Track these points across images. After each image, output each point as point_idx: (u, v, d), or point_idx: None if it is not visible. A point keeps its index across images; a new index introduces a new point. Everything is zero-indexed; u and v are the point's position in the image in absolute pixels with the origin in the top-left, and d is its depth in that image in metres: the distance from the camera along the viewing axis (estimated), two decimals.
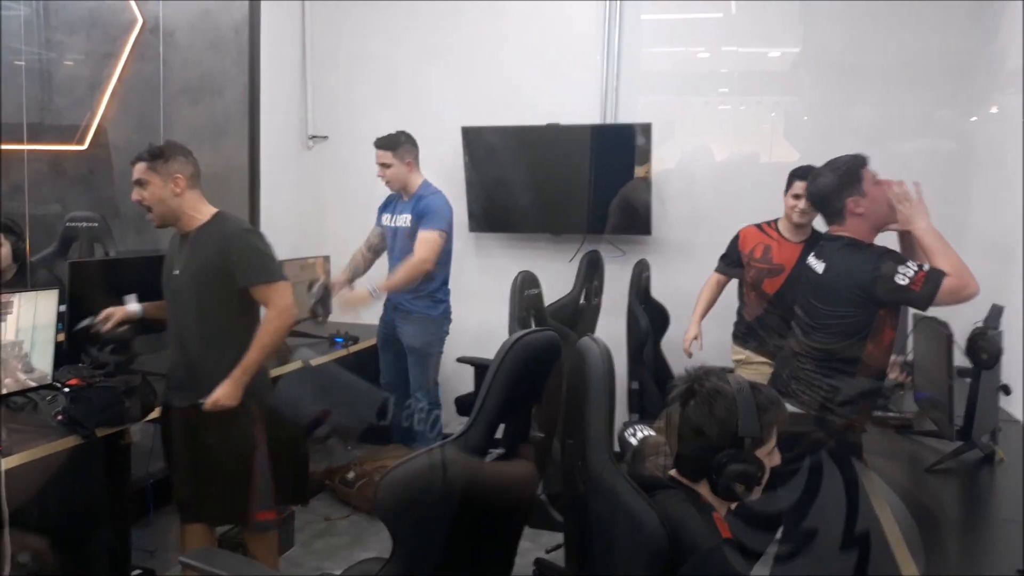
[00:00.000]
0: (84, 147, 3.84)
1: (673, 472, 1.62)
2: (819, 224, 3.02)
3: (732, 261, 3.53)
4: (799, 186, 3.28)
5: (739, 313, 3.56)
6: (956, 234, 3.82)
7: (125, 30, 3.95)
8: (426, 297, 3.79)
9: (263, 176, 4.55)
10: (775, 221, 3.45)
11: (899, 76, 3.92)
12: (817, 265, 2.72)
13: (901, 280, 2.46)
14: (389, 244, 3.91)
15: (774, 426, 1.60)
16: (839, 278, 2.62)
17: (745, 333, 3.49)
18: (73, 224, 3.62)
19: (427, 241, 3.66)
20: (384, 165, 3.77)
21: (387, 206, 3.96)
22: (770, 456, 1.60)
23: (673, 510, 1.51)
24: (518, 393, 1.56)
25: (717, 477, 1.53)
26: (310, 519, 3.76)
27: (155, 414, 2.75)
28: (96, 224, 3.66)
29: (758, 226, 3.47)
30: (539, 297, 3.47)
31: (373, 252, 4.03)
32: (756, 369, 3.35)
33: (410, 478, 1.49)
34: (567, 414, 1.74)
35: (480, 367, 3.74)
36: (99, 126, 3.87)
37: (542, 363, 1.60)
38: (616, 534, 1.48)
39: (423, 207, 3.73)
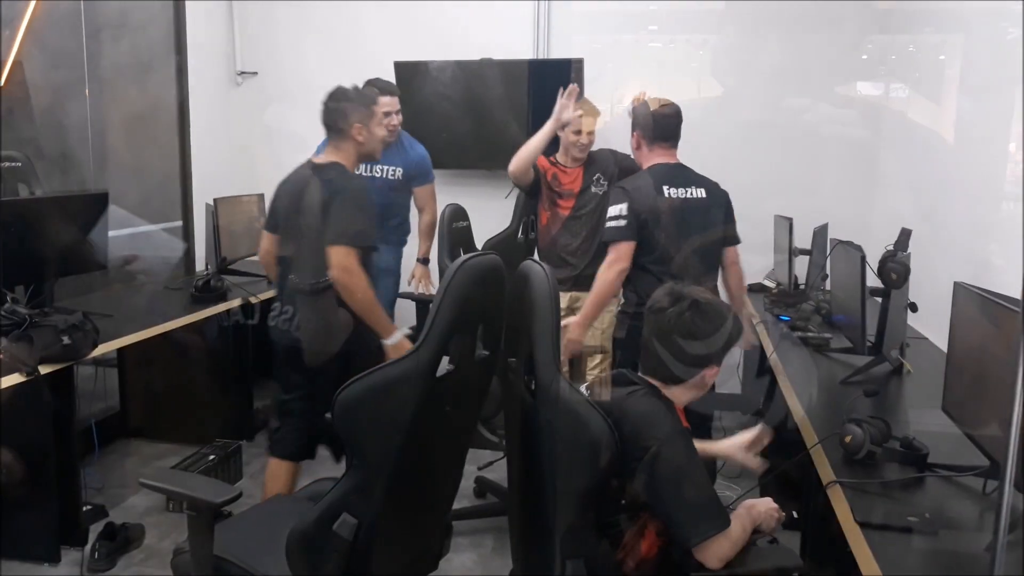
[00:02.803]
0: (0, 83, 3.70)
1: (640, 373, 1.85)
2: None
3: (533, 185, 3.54)
4: (588, 123, 3.40)
5: None
6: (870, 168, 4.07)
7: None
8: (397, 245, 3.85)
9: (192, 113, 4.46)
10: (554, 154, 3.51)
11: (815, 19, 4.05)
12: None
13: None
14: None
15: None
16: None
17: None
18: None
19: (432, 196, 3.72)
20: (389, 113, 3.45)
21: None
22: None
23: (643, 402, 1.77)
24: (465, 313, 1.64)
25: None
26: (256, 452, 3.82)
27: (97, 352, 2.74)
28: (19, 164, 3.55)
29: (547, 158, 3.49)
30: (467, 230, 3.53)
31: None
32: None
33: (364, 393, 1.57)
34: (509, 334, 1.83)
35: (421, 302, 3.81)
36: (14, 62, 3.72)
37: (487, 285, 1.68)
38: (563, 437, 1.59)
39: (418, 160, 3.72)
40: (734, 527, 1.70)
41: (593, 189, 3.44)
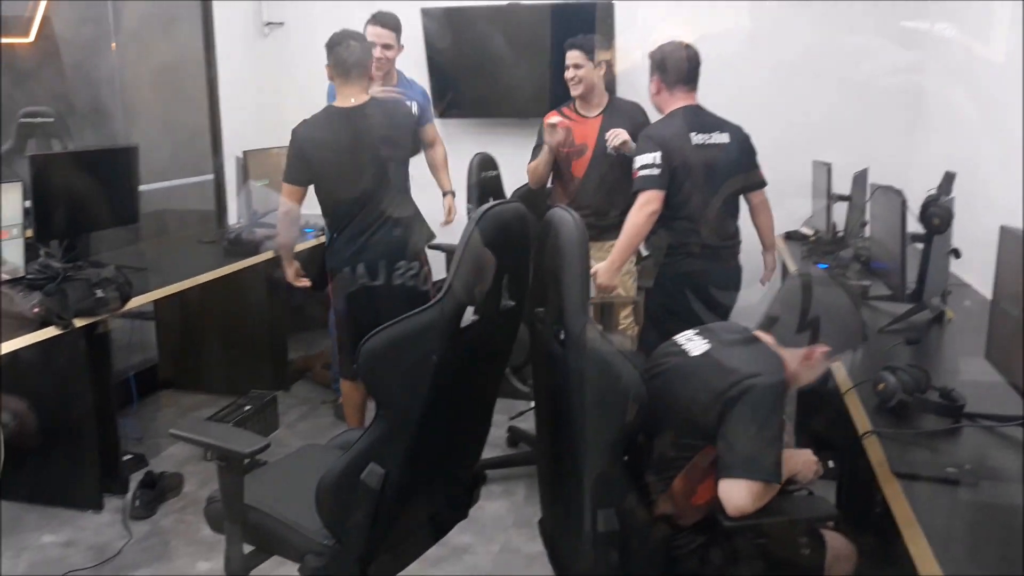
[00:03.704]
0: (30, 39, 3.70)
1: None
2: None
3: (538, 149, 3.39)
4: (572, 56, 3.21)
5: None
6: (915, 98, 3.92)
7: None
8: None
9: (220, 66, 4.43)
10: (573, 101, 3.33)
11: None
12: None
13: None
14: None
15: None
16: None
17: None
18: (27, 120, 3.52)
19: (437, 133, 3.64)
20: (388, 47, 3.36)
21: None
22: None
23: (756, 349, 1.79)
24: (489, 263, 1.61)
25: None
26: (292, 403, 3.87)
27: (131, 305, 2.77)
28: (52, 120, 3.57)
29: (559, 110, 3.33)
30: (497, 179, 3.47)
31: None
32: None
33: (388, 344, 1.56)
34: (536, 284, 1.80)
35: (451, 253, 3.78)
36: (44, 17, 3.72)
37: (511, 234, 1.65)
38: (593, 385, 1.57)
39: (423, 97, 3.64)
40: (773, 493, 1.66)
41: (608, 150, 3.23)
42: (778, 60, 4.04)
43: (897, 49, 3.96)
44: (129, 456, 3.11)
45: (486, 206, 1.61)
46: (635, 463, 1.79)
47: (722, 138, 2.89)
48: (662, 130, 2.86)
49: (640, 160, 2.81)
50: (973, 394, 1.82)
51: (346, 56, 2.83)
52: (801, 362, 1.79)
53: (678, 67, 2.88)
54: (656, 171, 2.77)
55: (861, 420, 1.84)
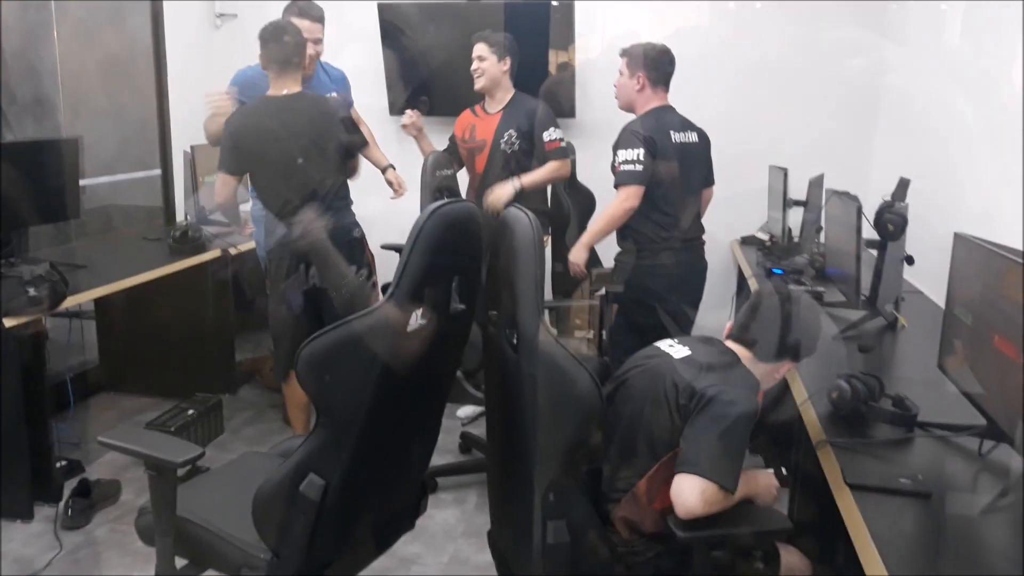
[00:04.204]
0: None
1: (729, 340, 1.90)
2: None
3: (450, 149, 3.51)
4: (477, 48, 3.30)
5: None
6: (871, 105, 3.94)
7: None
8: None
9: (169, 57, 4.29)
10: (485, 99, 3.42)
11: None
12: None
13: None
14: None
15: None
16: None
17: None
18: None
19: (359, 116, 3.52)
20: (318, 41, 3.29)
21: None
22: None
23: (733, 365, 1.80)
24: (438, 264, 1.55)
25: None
26: (239, 407, 3.76)
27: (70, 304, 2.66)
28: None
29: (470, 109, 3.46)
30: (452, 178, 3.41)
31: None
32: None
33: (329, 348, 1.48)
34: (490, 285, 1.75)
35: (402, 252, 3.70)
36: None
37: (461, 233, 1.59)
38: (547, 392, 1.51)
39: (342, 79, 3.54)
40: (726, 503, 1.64)
41: (502, 146, 3.32)
42: (737, 64, 4.04)
43: (855, 53, 3.98)
44: (64, 462, 2.98)
45: (435, 204, 1.55)
46: (595, 469, 1.78)
47: (693, 137, 3.00)
48: (645, 126, 2.90)
49: (623, 155, 2.86)
50: (925, 403, 1.81)
51: (283, 49, 2.88)
52: (771, 376, 1.85)
53: (663, 67, 2.96)
54: (639, 167, 2.83)
55: (814, 428, 1.82)
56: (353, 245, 3.09)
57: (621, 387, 1.87)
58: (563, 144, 3.32)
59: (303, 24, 3.16)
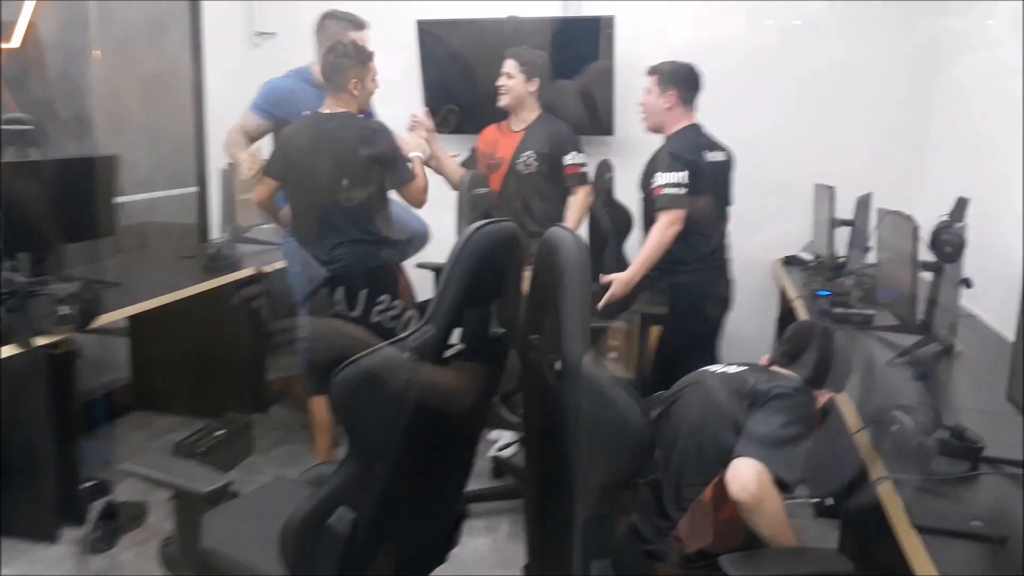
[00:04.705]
0: (15, 45, 3.58)
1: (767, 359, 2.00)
2: None
3: (468, 161, 3.48)
4: (507, 64, 3.25)
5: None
6: (923, 130, 3.81)
7: None
8: None
9: (207, 76, 4.31)
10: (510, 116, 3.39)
11: None
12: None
13: None
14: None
15: None
16: None
17: None
18: (7, 127, 3.40)
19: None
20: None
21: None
22: None
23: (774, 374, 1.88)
24: (477, 287, 1.47)
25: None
26: (269, 427, 3.72)
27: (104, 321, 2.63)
28: (31, 127, 3.44)
29: (497, 124, 3.43)
30: (488, 196, 3.36)
31: None
32: None
33: (363, 375, 1.41)
34: (532, 309, 1.67)
35: (439, 272, 3.65)
36: (30, 23, 3.60)
37: (502, 255, 1.51)
38: (592, 425, 1.42)
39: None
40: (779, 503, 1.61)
41: (519, 167, 3.29)
42: (782, 78, 3.95)
43: (904, 67, 3.86)
44: (91, 483, 2.93)
45: (477, 224, 1.48)
46: (655, 481, 1.82)
47: (722, 156, 3.00)
48: (686, 149, 2.89)
49: (666, 178, 2.83)
50: (990, 436, 1.69)
51: (338, 65, 2.83)
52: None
53: (693, 84, 2.95)
54: (683, 191, 2.82)
55: (871, 462, 1.71)
56: (378, 275, 2.93)
57: (675, 404, 1.89)
58: (583, 169, 3.31)
59: (360, 35, 3.14)
